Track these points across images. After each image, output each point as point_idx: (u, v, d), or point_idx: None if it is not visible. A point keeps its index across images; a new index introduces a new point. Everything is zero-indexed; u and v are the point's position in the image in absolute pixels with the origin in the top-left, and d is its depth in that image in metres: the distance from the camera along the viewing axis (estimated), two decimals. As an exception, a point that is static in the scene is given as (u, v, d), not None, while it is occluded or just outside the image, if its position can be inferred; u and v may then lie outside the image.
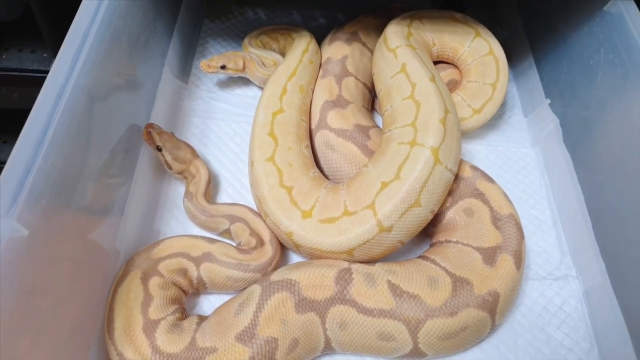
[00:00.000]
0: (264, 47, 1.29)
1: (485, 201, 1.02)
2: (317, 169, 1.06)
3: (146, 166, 1.06)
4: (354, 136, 1.07)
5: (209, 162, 1.15)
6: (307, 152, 1.06)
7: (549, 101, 1.22)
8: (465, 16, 1.23)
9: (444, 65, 1.26)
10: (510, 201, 1.02)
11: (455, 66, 1.26)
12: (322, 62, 1.22)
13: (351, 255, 0.93)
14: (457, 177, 1.03)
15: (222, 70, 1.21)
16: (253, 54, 1.24)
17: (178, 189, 1.09)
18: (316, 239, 0.93)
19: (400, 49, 1.10)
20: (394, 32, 1.15)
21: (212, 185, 1.09)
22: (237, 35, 1.36)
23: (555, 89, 1.22)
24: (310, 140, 1.13)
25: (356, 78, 1.19)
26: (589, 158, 1.09)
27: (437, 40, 1.21)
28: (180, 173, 1.07)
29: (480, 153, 1.24)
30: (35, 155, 0.67)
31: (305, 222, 0.95)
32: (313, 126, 1.13)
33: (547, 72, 1.26)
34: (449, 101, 1.01)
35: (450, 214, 1.02)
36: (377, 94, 1.14)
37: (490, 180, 1.04)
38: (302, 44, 1.20)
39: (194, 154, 1.08)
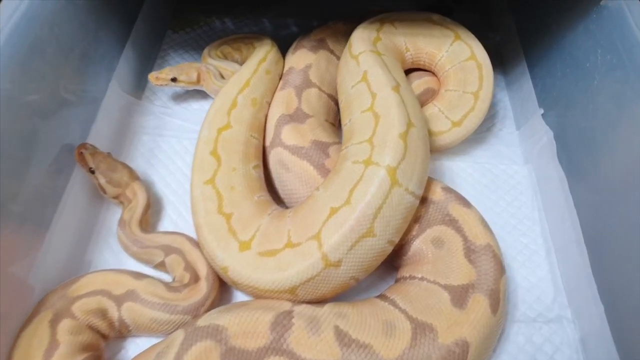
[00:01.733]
0: (225, 57, 1.18)
1: (459, 229, 0.87)
2: (264, 193, 0.93)
3: (79, 189, 0.95)
4: (309, 154, 0.94)
5: (154, 183, 1.04)
6: (255, 174, 0.93)
7: (541, 111, 1.07)
8: (443, 17, 1.10)
9: (420, 73, 1.12)
10: (489, 229, 0.87)
11: (433, 74, 1.11)
12: (284, 72, 1.10)
13: (295, 295, 0.80)
14: (425, 201, 0.89)
15: (173, 83, 1.10)
16: (210, 66, 1.13)
17: (117, 215, 0.98)
18: (253, 276, 0.80)
19: (363, 56, 0.97)
20: (360, 37, 1.02)
21: (151, 210, 0.97)
22: (200, 47, 1.25)
23: (549, 96, 1.07)
24: (264, 160, 1.00)
25: (320, 89, 1.06)
26: (587, 177, 0.93)
27: (410, 44, 1.08)
28: (115, 197, 0.96)
29: (464, 171, 1.09)
30: None
31: (243, 256, 0.82)
32: (267, 143, 1.00)
33: (540, 77, 1.11)
34: (416, 113, 0.87)
35: (416, 245, 0.88)
36: (340, 106, 1.01)
37: (466, 204, 0.89)
38: (260, 53, 1.09)
39: (132, 176, 0.97)
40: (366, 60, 0.96)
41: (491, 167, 1.10)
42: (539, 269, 0.97)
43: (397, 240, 0.83)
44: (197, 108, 1.16)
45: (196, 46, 1.27)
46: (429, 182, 0.90)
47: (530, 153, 1.09)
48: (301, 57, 1.10)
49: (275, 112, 1.02)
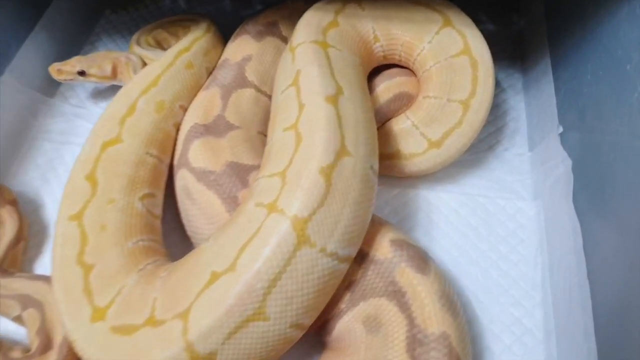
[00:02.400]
0: (160, 45, 0.94)
1: (404, 307, 0.61)
2: (149, 236, 0.69)
3: None
4: (220, 182, 0.70)
5: (44, 206, 0.83)
6: (141, 208, 0.69)
7: (560, 129, 0.77)
8: (428, -5, 0.80)
9: (394, 71, 0.84)
10: (450, 310, 0.61)
11: (413, 73, 0.83)
12: (216, 66, 0.85)
13: (156, 390, 0.56)
14: (364, 259, 0.63)
15: (81, 78, 0.88)
16: (133, 56, 0.89)
17: (-10, 246, 0.76)
18: (101, 358, 0.57)
19: (301, 48, 0.71)
20: (307, 22, 0.76)
21: (24, 244, 0.76)
22: (143, 30, 1.02)
23: (573, 107, 0.76)
24: (171, 183, 0.76)
25: (258, 90, 0.81)
26: (609, 233, 0.63)
27: (381, 32, 0.79)
28: (-21, 225, 0.75)
29: (445, 206, 0.81)
30: None
31: (93, 329, 0.60)
32: (175, 162, 0.76)
33: (565, 80, 0.81)
34: (357, 136, 0.62)
35: (344, 323, 0.63)
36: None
37: (422, 267, 0.63)
38: (185, 41, 0.85)
39: (3, 200, 0.75)
40: (303, 54, 0.70)
41: (486, 202, 0.81)
42: (532, 354, 0.68)
43: (308, 322, 0.58)
44: (119, 108, 0.93)
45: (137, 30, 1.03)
46: (374, 231, 0.65)
47: (542, 185, 0.80)
48: (240, 46, 0.85)
49: (188, 121, 0.77)
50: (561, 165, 0.75)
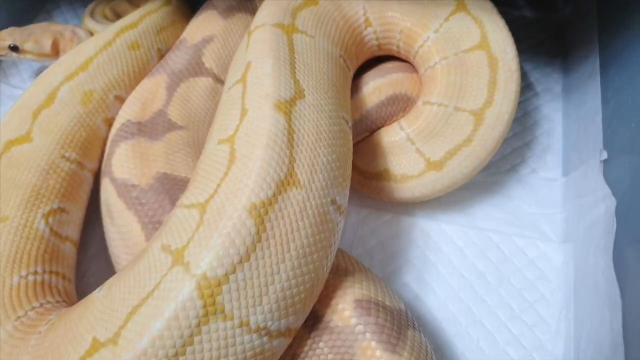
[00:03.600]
0: (118, 17, 0.78)
1: (365, 401, 0.44)
2: (49, 266, 0.55)
3: None
4: (142, 201, 0.55)
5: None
6: (45, 228, 0.55)
7: (604, 155, 0.57)
8: (439, -32, 0.61)
9: (389, 65, 0.65)
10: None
11: (413, 69, 0.64)
12: (172, 47, 0.68)
13: None
14: (316, 324, 0.46)
15: (14, 54, 0.73)
16: (81, 30, 0.74)
17: None
18: None
19: (258, 32, 0.53)
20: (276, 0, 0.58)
21: None
22: (109, 0, 0.86)
23: (623, 126, 0.58)
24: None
25: (217, 79, 0.64)
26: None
27: (374, 13, 0.61)
28: None
29: (448, 241, 0.64)
30: None
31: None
32: (103, 168, 0.60)
33: (616, 89, 0.61)
34: (319, 158, 0.46)
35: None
36: (215, 119, 0.58)
37: (393, 342, 0.46)
38: (132, 16, 0.68)
39: None
40: (258, 42, 0.52)
41: (500, 241, 0.63)
42: None
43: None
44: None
45: None
46: (335, 283, 0.48)
47: (575, 226, 0.60)
48: (203, 24, 0.69)
49: (121, 117, 0.61)
50: (602, 204, 0.56)
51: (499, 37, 0.59)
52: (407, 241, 0.64)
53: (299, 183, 0.43)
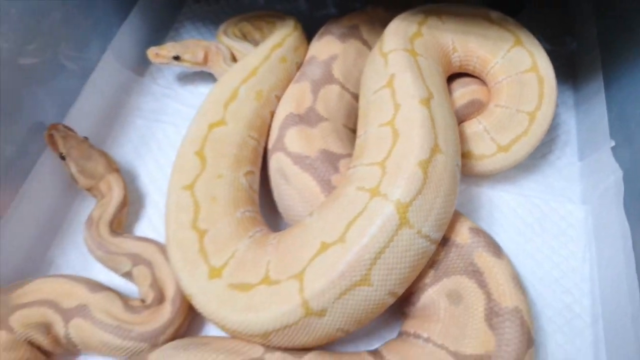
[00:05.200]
0: (244, 37, 1.03)
1: (483, 284, 0.69)
2: (252, 208, 0.78)
3: (48, 175, 0.83)
4: (315, 166, 0.78)
5: (138, 177, 0.91)
6: (245, 183, 0.78)
7: (612, 143, 0.86)
8: (503, 16, 0.89)
9: (466, 79, 0.92)
10: (521, 289, 0.69)
11: (484, 82, 0.92)
12: (304, 61, 0.93)
13: (267, 340, 0.66)
14: (447, 242, 0.73)
15: (175, 62, 0.96)
16: (222, 45, 0.98)
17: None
18: (220, 312, 0.66)
19: (393, 55, 0.79)
20: (395, 31, 0.84)
21: (127, 210, 0.84)
22: (223, 22, 1.10)
23: (625, 127, 0.85)
24: (264, 164, 0.85)
25: (343, 87, 0.89)
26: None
27: (459, 44, 0.88)
28: (88, 190, 0.84)
29: (506, 205, 0.90)
30: None
31: (211, 285, 0.68)
32: (270, 146, 0.85)
33: (617, 102, 0.90)
34: (448, 136, 0.70)
35: (428, 295, 0.72)
36: (358, 112, 0.83)
37: (496, 252, 0.72)
38: (276, 37, 0.93)
39: (109, 167, 0.84)
40: (396, 60, 0.78)
41: (540, 203, 0.90)
42: (579, 338, 0.78)
43: (401, 291, 0.67)
44: (204, 93, 1.00)
45: (217, 21, 1.11)
46: (455, 219, 0.73)
47: (590, 192, 0.89)
48: (326, 46, 0.93)
49: (283, 110, 0.86)
50: (612, 175, 0.84)
51: (544, 63, 0.87)
52: (478, 204, 0.90)
53: (441, 151, 0.69)
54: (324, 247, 0.65)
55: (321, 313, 0.63)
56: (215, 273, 0.69)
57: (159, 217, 0.87)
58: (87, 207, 0.87)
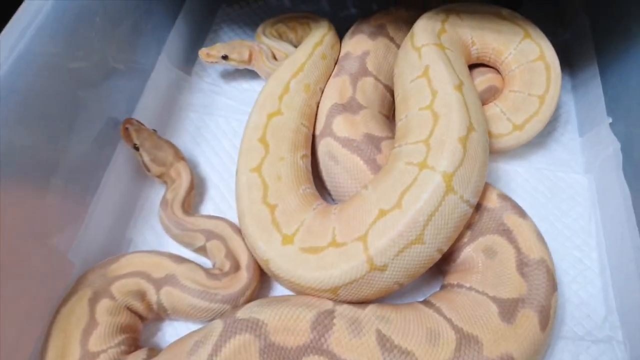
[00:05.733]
0: (280, 37, 1.14)
1: (512, 240, 0.83)
2: (310, 185, 0.90)
3: (123, 165, 0.94)
4: (361, 148, 0.90)
5: (199, 164, 1.02)
6: (303, 164, 0.90)
7: (609, 120, 1.00)
8: (513, 13, 1.03)
9: (483, 69, 1.06)
10: (544, 243, 0.83)
11: (498, 71, 1.05)
12: (340, 57, 1.05)
13: (336, 295, 0.78)
14: (480, 207, 0.85)
15: (224, 61, 1.07)
16: (263, 45, 1.09)
17: (161, 194, 0.96)
18: (294, 271, 0.78)
19: (426, 48, 0.92)
20: (423, 28, 0.97)
21: (194, 192, 0.96)
22: (255, 23, 1.22)
23: (619, 106, 0.99)
24: (312, 149, 0.97)
25: (376, 79, 1.02)
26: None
27: (477, 39, 1.01)
28: (159, 176, 0.95)
29: (520, 176, 1.04)
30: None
31: (285, 250, 0.80)
32: (317, 132, 0.97)
33: (612, 85, 1.04)
34: (478, 116, 0.82)
35: (466, 252, 0.84)
36: (395, 99, 0.96)
37: (522, 214, 0.85)
38: (316, 36, 1.04)
39: (177, 155, 0.95)
40: (429, 54, 0.91)
41: (549, 174, 1.04)
42: (590, 286, 0.92)
43: (446, 248, 0.80)
44: (247, 88, 1.13)
45: (250, 22, 1.23)
46: (485, 188, 0.86)
47: (592, 163, 1.03)
48: (359, 43, 1.06)
49: (328, 100, 0.98)
50: (610, 147, 0.98)
51: (550, 53, 1.00)
52: (495, 177, 1.03)
53: (474, 129, 0.81)
54: (382, 213, 0.77)
55: (383, 268, 0.75)
56: (288, 240, 0.81)
57: (220, 198, 0.99)
58: (154, 192, 0.98)
